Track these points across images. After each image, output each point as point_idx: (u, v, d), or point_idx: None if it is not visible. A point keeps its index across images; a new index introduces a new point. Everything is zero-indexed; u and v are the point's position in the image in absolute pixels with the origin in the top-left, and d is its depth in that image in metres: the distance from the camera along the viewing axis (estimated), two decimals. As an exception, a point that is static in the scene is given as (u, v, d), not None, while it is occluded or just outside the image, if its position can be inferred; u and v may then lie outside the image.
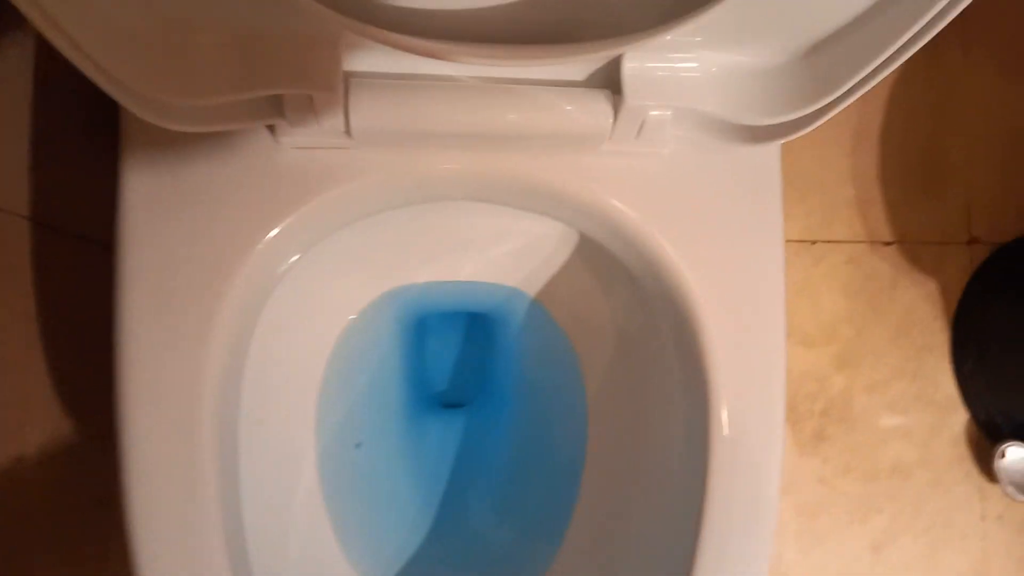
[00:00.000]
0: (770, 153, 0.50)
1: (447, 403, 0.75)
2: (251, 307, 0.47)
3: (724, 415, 0.48)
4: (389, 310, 0.64)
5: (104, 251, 0.67)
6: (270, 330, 0.51)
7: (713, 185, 0.49)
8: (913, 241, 0.91)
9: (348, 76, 0.43)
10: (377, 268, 0.60)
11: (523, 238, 0.60)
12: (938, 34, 0.39)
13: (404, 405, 0.67)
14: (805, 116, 0.43)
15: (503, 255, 0.62)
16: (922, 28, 0.38)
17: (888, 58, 0.40)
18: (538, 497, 0.64)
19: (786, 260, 0.86)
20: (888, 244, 0.91)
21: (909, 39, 0.39)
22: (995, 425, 0.90)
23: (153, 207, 0.44)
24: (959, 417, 0.92)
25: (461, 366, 0.75)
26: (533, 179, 0.48)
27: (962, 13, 0.38)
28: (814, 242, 0.90)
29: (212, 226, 0.44)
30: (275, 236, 0.45)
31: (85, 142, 0.65)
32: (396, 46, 0.36)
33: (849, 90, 0.42)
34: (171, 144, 0.44)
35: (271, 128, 0.45)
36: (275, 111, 0.43)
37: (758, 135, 0.47)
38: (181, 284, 0.44)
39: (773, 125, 0.45)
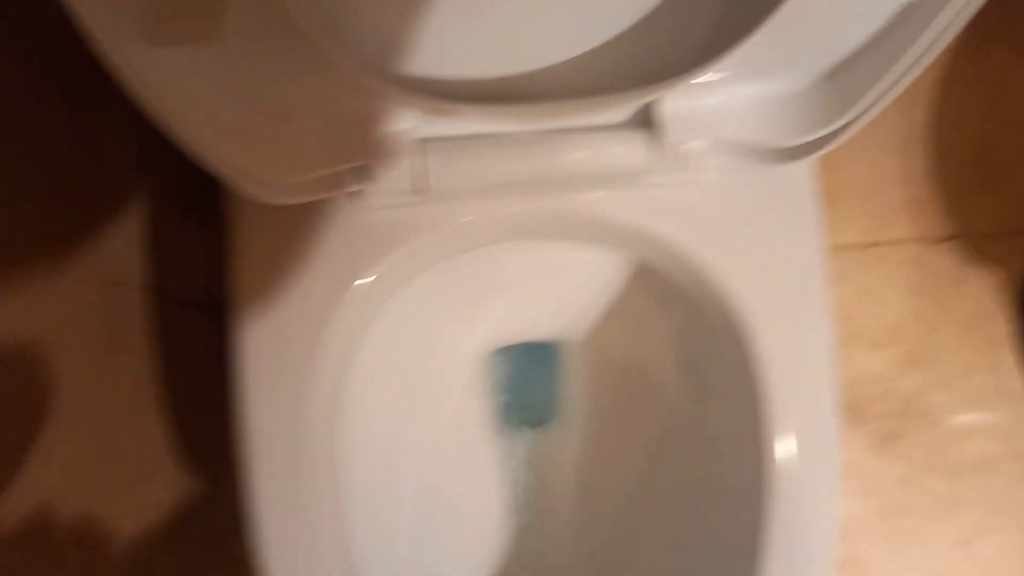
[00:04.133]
0: (802, 167, 0.54)
1: (525, 422, 0.79)
2: (348, 347, 0.53)
3: (781, 422, 0.52)
4: (467, 343, 0.69)
5: (199, 312, 0.74)
6: (365, 368, 0.57)
7: (751, 204, 0.54)
8: (975, 235, 0.90)
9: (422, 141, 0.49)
10: (454, 307, 0.66)
11: (583, 269, 0.65)
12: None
13: (486, 427, 0.72)
14: (831, 132, 0.47)
15: (565, 286, 0.67)
16: (936, 39, 0.42)
17: (903, 73, 0.44)
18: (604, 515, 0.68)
19: (845, 265, 0.88)
20: (950, 239, 0.90)
21: (922, 53, 0.43)
22: (1078, 413, 0.88)
23: (259, 271, 0.51)
24: (1042, 408, 0.90)
25: (535, 388, 0.79)
26: (586, 214, 0.53)
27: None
28: (872, 245, 0.90)
29: (309, 282, 0.51)
30: (364, 286, 0.51)
31: (180, 210, 0.72)
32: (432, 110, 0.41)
33: (872, 104, 0.45)
34: (271, 212, 0.51)
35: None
36: (360, 178, 0.49)
37: (790, 155, 0.50)
38: (287, 333, 0.50)
39: (803, 144, 0.49)
